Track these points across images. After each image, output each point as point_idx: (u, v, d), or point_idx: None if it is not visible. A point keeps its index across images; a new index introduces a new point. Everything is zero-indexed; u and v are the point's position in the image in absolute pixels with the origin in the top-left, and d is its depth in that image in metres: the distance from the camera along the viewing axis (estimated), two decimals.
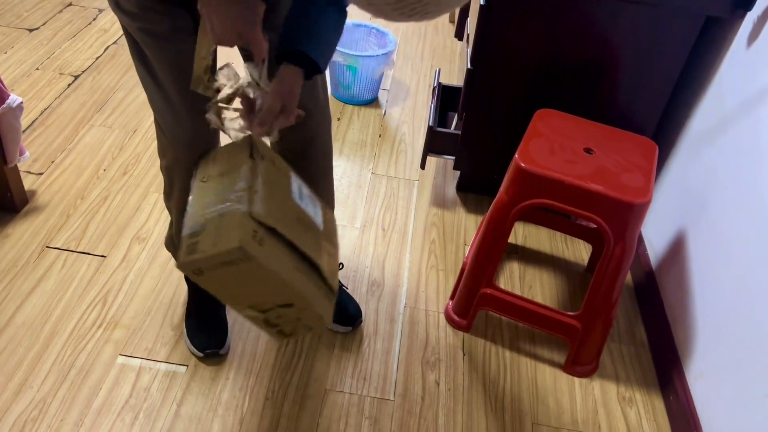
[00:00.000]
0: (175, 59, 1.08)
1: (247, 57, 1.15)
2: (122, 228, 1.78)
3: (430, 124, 1.92)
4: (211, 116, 1.04)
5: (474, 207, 2.02)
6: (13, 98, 1.60)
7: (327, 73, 2.48)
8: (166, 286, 1.63)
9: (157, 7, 1.03)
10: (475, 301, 1.55)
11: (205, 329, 1.48)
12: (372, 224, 1.90)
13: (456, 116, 2.07)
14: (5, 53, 2.48)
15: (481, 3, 1.63)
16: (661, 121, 1.87)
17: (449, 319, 1.63)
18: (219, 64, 1.09)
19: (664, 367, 1.55)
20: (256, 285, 0.96)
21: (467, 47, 1.94)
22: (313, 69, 1.04)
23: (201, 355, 1.46)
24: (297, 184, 1.11)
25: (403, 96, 2.54)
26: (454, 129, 1.99)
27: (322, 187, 1.38)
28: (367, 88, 2.40)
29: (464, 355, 1.56)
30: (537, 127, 1.49)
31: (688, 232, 1.58)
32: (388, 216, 1.94)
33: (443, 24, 3.12)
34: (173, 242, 1.42)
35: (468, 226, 1.94)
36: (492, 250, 1.47)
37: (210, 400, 1.40)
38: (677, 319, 1.56)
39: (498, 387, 1.50)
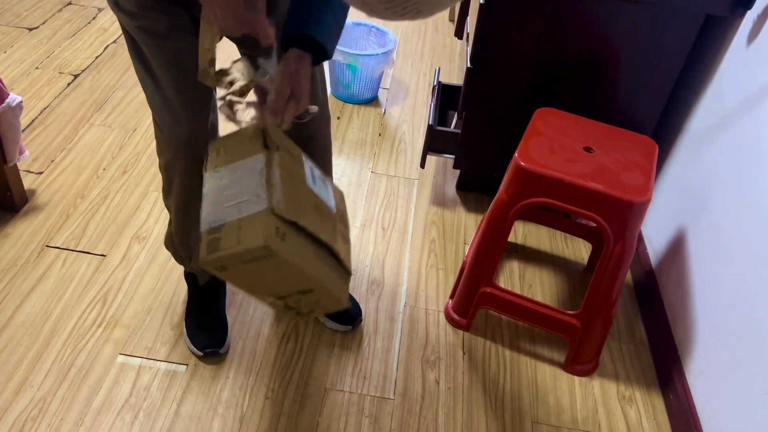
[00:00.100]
0: (174, 58, 1.08)
1: (248, 52, 1.14)
2: (122, 227, 1.78)
3: (430, 123, 1.92)
4: (223, 108, 1.04)
5: (474, 206, 2.01)
6: (13, 97, 1.60)
7: (327, 71, 2.48)
8: (166, 285, 1.63)
9: (155, 5, 1.03)
10: (475, 300, 1.55)
11: (204, 328, 1.48)
12: (372, 223, 1.90)
13: (456, 115, 2.07)
14: (5, 52, 2.48)
15: (481, 2, 1.62)
16: (661, 120, 1.87)
17: (449, 318, 1.63)
18: (218, 63, 1.09)
19: (664, 365, 1.55)
20: (278, 277, 0.97)
21: (467, 46, 1.94)
22: (321, 54, 1.02)
23: (201, 354, 1.46)
24: (309, 168, 1.10)
25: (403, 95, 2.54)
26: (454, 128, 1.99)
27: None
28: (367, 87, 2.40)
29: (464, 354, 1.56)
30: (537, 126, 1.49)
31: (688, 230, 1.58)
32: (388, 215, 1.94)
33: (443, 23, 3.12)
34: (172, 241, 1.42)
35: (468, 225, 1.94)
36: (492, 249, 1.47)
37: (210, 399, 1.40)
38: (677, 317, 1.56)
39: (498, 386, 1.50)
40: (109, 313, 1.54)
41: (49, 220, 1.77)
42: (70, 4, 2.87)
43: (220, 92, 1.04)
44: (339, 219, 1.12)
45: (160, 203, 1.86)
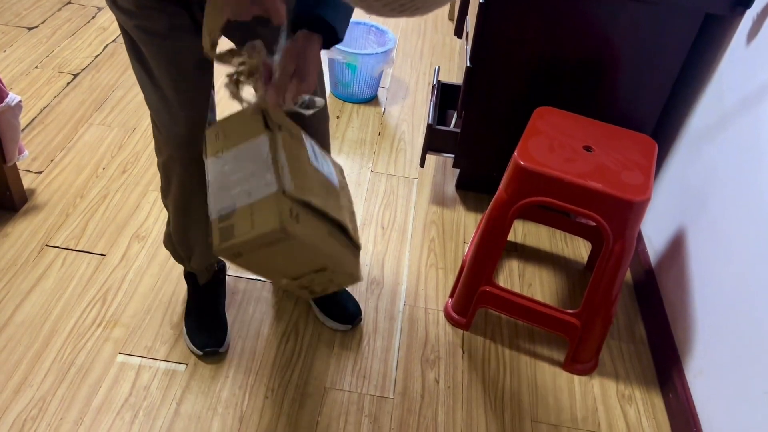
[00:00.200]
0: (173, 58, 1.08)
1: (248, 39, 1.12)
2: (121, 226, 1.78)
3: (430, 122, 1.92)
4: (229, 86, 1.02)
5: (473, 205, 2.01)
6: (12, 97, 1.60)
7: (326, 71, 2.48)
8: (166, 285, 1.63)
9: (154, 4, 1.03)
10: (475, 299, 1.55)
11: (204, 328, 1.48)
12: (371, 222, 1.90)
13: (455, 114, 2.07)
14: (4, 52, 2.47)
15: (481, 1, 1.62)
16: (660, 119, 1.87)
17: (449, 317, 1.63)
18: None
19: (663, 364, 1.55)
20: (293, 258, 0.96)
21: (467, 45, 1.94)
22: (331, 35, 1.00)
23: (200, 353, 1.46)
24: (311, 146, 1.09)
25: (402, 94, 2.53)
26: (454, 127, 1.98)
27: None
28: (367, 86, 2.40)
29: (464, 353, 1.56)
30: (536, 125, 1.49)
31: (688, 229, 1.58)
32: (388, 214, 1.94)
33: (443, 22, 3.12)
34: (171, 240, 1.42)
35: (467, 224, 1.94)
36: (491, 248, 1.47)
37: (210, 398, 1.40)
38: (677, 316, 1.56)
39: (497, 385, 1.50)
40: (108, 313, 1.54)
41: (48, 219, 1.77)
42: (69, 3, 2.87)
43: (228, 70, 1.03)
44: (343, 194, 1.11)
45: (160, 202, 1.86)
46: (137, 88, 2.35)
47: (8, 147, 1.66)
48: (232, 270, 1.69)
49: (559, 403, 1.48)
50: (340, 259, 1.01)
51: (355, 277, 1.06)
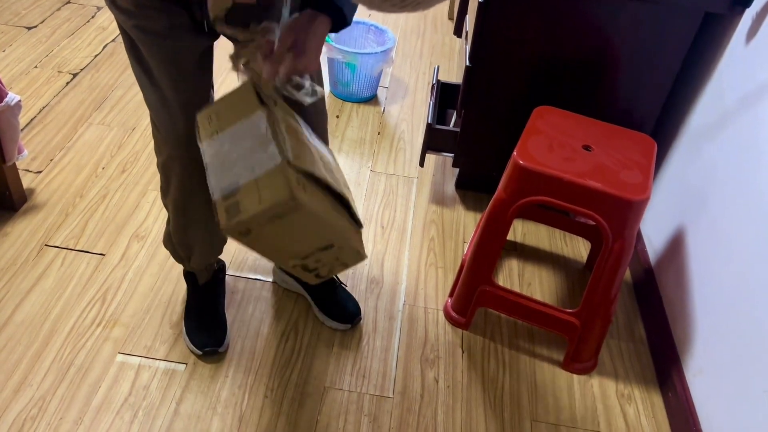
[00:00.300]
0: (171, 57, 1.08)
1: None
2: (121, 226, 1.78)
3: (429, 122, 1.92)
4: (232, 58, 1.00)
5: (473, 204, 2.01)
6: (12, 96, 1.60)
7: (325, 70, 2.48)
8: (165, 284, 1.63)
9: (153, 4, 1.03)
10: (474, 298, 1.55)
11: (204, 327, 1.48)
12: (371, 222, 1.90)
13: (455, 113, 2.07)
14: (3, 51, 2.47)
15: (480, 0, 1.62)
16: (660, 118, 1.86)
17: (448, 317, 1.63)
18: (218, 61, 1.08)
19: (663, 364, 1.55)
20: (301, 234, 0.94)
21: (466, 44, 1.94)
22: (338, 18, 0.98)
23: (200, 353, 1.46)
24: (303, 125, 1.07)
25: (402, 93, 2.53)
26: (453, 126, 1.98)
27: None
28: (366, 85, 2.40)
29: (463, 352, 1.56)
30: (535, 124, 1.49)
31: (688, 229, 1.58)
32: (387, 213, 1.94)
33: (442, 21, 3.11)
34: (171, 240, 1.42)
35: (467, 224, 1.94)
36: (491, 248, 1.47)
37: (209, 398, 1.40)
38: (676, 316, 1.56)
39: (497, 384, 1.50)
40: (108, 312, 1.54)
41: (48, 219, 1.77)
42: (68, 2, 2.87)
43: (234, 49, 1.02)
44: (338, 172, 1.09)
45: (159, 202, 1.86)
46: (137, 88, 2.35)
47: (8, 147, 1.66)
48: (231, 269, 1.69)
49: (558, 402, 1.48)
50: (346, 234, 0.99)
51: (361, 255, 1.04)
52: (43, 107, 2.20)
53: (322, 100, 1.30)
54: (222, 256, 1.67)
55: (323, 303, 1.57)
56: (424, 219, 1.94)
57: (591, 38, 1.64)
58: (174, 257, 1.48)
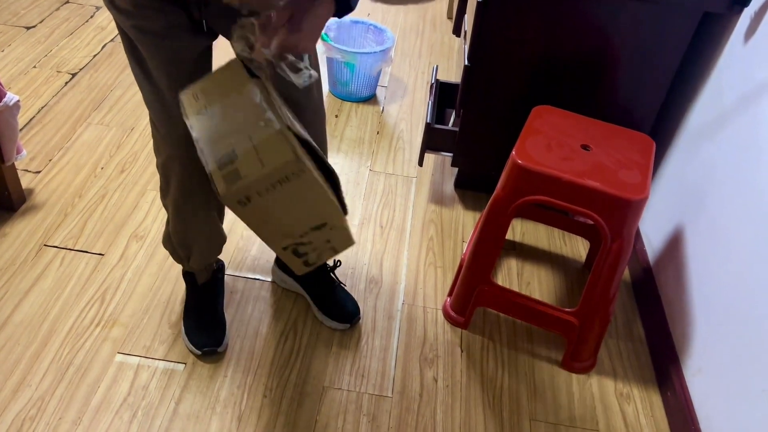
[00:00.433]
0: (170, 57, 1.08)
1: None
2: (120, 226, 1.78)
3: (428, 121, 1.92)
4: (236, 32, 0.99)
5: (472, 204, 2.02)
6: (10, 96, 1.60)
7: (324, 70, 2.48)
8: (164, 284, 1.63)
9: (151, 4, 1.03)
10: (473, 298, 1.55)
11: (203, 327, 1.48)
12: (370, 221, 1.90)
13: (454, 113, 2.07)
14: (2, 51, 2.47)
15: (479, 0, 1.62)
16: (658, 117, 1.87)
17: (447, 316, 1.63)
18: (215, 64, 1.08)
19: (661, 363, 1.55)
20: (298, 207, 0.93)
21: (465, 44, 1.94)
22: (343, 1, 0.97)
23: (199, 353, 1.46)
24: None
25: (401, 93, 2.53)
26: (452, 126, 1.98)
27: None
28: (365, 85, 2.40)
29: (462, 351, 1.56)
30: (534, 123, 1.49)
31: (686, 228, 1.58)
32: (386, 213, 1.94)
33: (441, 20, 3.11)
34: (170, 240, 1.42)
35: (466, 223, 1.94)
36: (490, 247, 1.47)
37: (208, 398, 1.40)
38: (675, 315, 1.56)
39: (496, 384, 1.50)
40: (107, 312, 1.54)
41: (47, 219, 1.77)
42: (67, 2, 2.87)
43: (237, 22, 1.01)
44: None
45: (158, 202, 1.86)
46: (135, 88, 2.35)
47: (6, 147, 1.66)
48: (230, 269, 1.69)
49: (557, 401, 1.48)
50: (337, 213, 0.98)
51: (351, 238, 1.03)
52: (42, 107, 2.20)
53: (320, 102, 1.30)
54: (221, 256, 1.67)
55: (322, 302, 1.57)
56: (423, 218, 1.94)
57: (589, 38, 1.64)
58: (173, 257, 1.48)
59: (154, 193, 1.89)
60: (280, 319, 1.58)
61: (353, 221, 1.89)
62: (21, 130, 2.07)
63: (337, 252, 1.05)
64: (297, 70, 1.00)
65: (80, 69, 2.42)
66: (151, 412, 1.36)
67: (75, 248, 1.70)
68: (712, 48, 1.64)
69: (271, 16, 0.96)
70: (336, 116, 2.35)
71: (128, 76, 2.41)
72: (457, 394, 1.47)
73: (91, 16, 2.78)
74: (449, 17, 3.14)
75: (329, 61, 2.38)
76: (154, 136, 1.26)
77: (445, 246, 1.85)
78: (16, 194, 1.78)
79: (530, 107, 1.77)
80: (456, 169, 2.10)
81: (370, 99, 2.47)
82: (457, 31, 2.66)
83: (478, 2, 1.63)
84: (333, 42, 2.31)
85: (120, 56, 2.53)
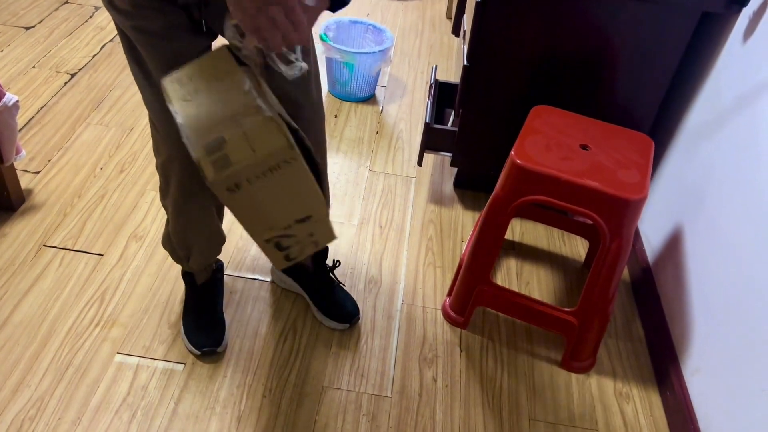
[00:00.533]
0: (169, 57, 1.08)
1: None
2: (119, 226, 1.78)
3: (427, 121, 1.92)
4: (228, 20, 0.98)
5: (471, 203, 2.02)
6: (9, 97, 1.60)
7: (323, 70, 2.48)
8: (164, 284, 1.63)
9: (151, 4, 1.02)
10: (472, 297, 1.55)
11: (202, 327, 1.48)
12: (369, 221, 1.90)
13: (453, 113, 2.07)
14: (1, 51, 2.47)
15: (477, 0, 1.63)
16: (657, 117, 1.87)
17: (446, 316, 1.63)
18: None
19: (660, 362, 1.55)
20: (286, 197, 0.92)
21: (464, 44, 1.94)
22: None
23: (198, 353, 1.46)
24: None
25: (400, 93, 2.54)
26: (451, 126, 1.99)
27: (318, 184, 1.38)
28: (364, 85, 2.40)
29: (461, 351, 1.56)
30: (533, 123, 1.49)
31: (685, 227, 1.58)
32: (386, 213, 1.94)
33: (440, 20, 3.12)
34: (170, 241, 1.42)
35: (465, 223, 1.94)
36: (489, 247, 1.47)
37: (207, 398, 1.40)
38: (674, 315, 1.56)
39: (495, 383, 1.50)
40: (106, 313, 1.54)
41: (46, 219, 1.77)
42: (66, 2, 2.87)
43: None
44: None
45: (158, 202, 1.86)
46: (135, 88, 2.35)
47: (5, 147, 1.66)
48: (230, 269, 1.69)
49: (556, 401, 1.48)
50: (322, 206, 0.98)
51: (333, 233, 1.03)
52: (41, 107, 2.20)
53: (319, 102, 1.30)
54: (220, 256, 1.67)
55: (321, 303, 1.58)
56: (423, 218, 1.94)
57: (588, 37, 1.64)
58: (173, 258, 1.48)
59: (153, 194, 1.90)
60: (280, 319, 1.58)
61: (353, 221, 1.89)
62: (20, 130, 2.07)
63: (318, 246, 1.04)
64: (288, 62, 0.99)
65: (79, 69, 2.42)
66: (150, 412, 1.36)
67: (74, 248, 1.70)
68: (711, 48, 1.64)
69: None
70: (335, 116, 2.35)
71: (127, 77, 2.41)
72: (457, 393, 1.47)
73: (91, 17, 2.78)
74: (448, 17, 3.15)
75: (328, 61, 2.38)
76: (153, 136, 1.26)
77: (445, 246, 1.85)
78: (16, 194, 1.78)
79: (529, 107, 1.77)
80: (455, 169, 2.10)
81: (370, 99, 2.47)
82: (456, 30, 2.66)
83: (477, 2, 1.63)
84: (332, 42, 2.32)
85: (119, 56, 2.53)
